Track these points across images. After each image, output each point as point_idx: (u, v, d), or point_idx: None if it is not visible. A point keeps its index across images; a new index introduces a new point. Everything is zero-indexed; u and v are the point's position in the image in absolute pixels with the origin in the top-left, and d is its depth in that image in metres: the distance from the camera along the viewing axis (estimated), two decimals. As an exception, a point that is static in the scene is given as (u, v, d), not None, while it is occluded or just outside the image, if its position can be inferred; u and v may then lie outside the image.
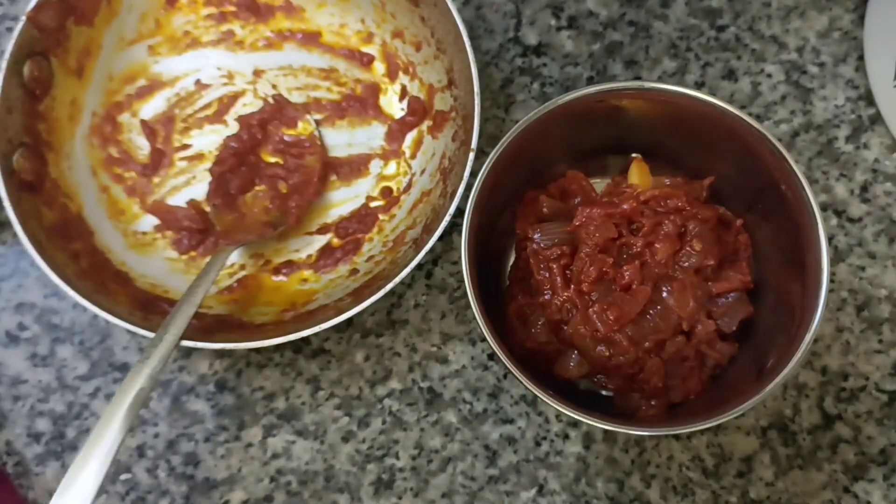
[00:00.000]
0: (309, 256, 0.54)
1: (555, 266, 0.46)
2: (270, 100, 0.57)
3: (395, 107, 0.57)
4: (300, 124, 0.56)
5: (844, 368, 0.52)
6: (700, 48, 0.57)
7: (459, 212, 0.46)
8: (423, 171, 0.54)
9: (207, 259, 0.51)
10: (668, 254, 0.46)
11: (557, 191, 0.50)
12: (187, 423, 0.52)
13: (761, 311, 0.47)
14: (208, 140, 0.56)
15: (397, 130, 0.56)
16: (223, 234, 0.53)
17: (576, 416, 0.41)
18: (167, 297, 0.52)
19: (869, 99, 0.56)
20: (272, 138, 0.56)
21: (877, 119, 0.55)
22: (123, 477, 0.51)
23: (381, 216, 0.55)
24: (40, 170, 0.51)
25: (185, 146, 0.56)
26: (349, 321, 0.52)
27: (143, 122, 0.56)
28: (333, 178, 0.56)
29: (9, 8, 0.60)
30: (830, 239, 0.54)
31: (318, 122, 0.57)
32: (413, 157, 0.55)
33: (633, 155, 0.50)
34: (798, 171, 0.43)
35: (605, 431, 0.51)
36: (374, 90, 0.57)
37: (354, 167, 0.56)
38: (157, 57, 0.57)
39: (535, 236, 0.47)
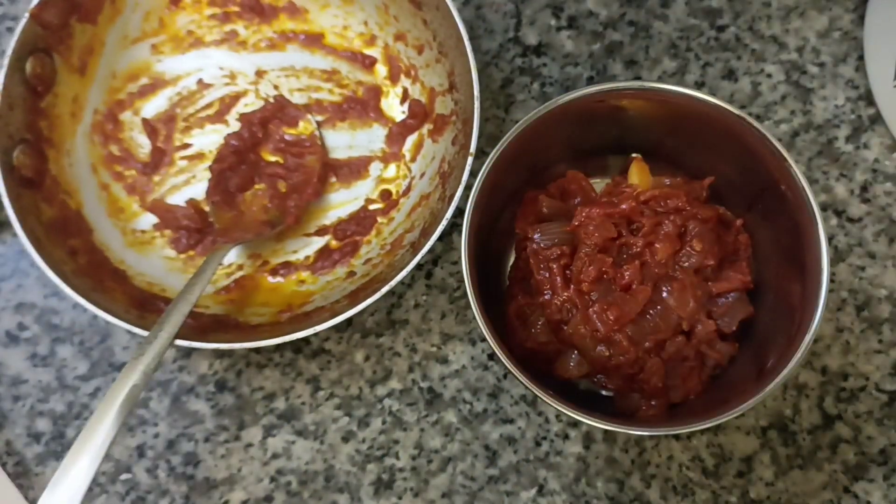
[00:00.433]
0: (307, 258, 0.54)
1: (555, 266, 0.46)
2: (272, 100, 0.57)
3: (396, 110, 0.57)
4: (301, 124, 0.56)
5: (844, 368, 0.51)
6: (700, 48, 0.57)
7: (459, 212, 0.46)
8: (422, 175, 0.54)
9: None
10: (668, 254, 0.46)
11: (557, 191, 0.50)
12: (187, 423, 0.52)
13: (761, 311, 0.47)
14: (209, 139, 0.56)
15: (398, 133, 0.56)
16: (221, 232, 0.53)
17: (576, 416, 0.41)
18: (164, 295, 0.52)
19: (869, 99, 0.56)
20: (273, 137, 0.56)
21: (877, 119, 0.55)
22: (123, 477, 0.51)
23: (379, 219, 0.55)
24: (40, 166, 0.51)
25: (186, 145, 0.56)
26: (349, 321, 0.52)
27: (144, 120, 0.56)
28: (333, 179, 0.56)
29: (9, 8, 0.60)
30: (830, 239, 0.54)
31: (319, 124, 0.57)
32: (413, 160, 0.55)
33: (633, 155, 0.50)
34: (798, 171, 0.43)
35: (605, 431, 0.51)
36: (376, 93, 0.57)
37: (354, 169, 0.56)
38: (160, 56, 0.57)
39: (535, 236, 0.47)
